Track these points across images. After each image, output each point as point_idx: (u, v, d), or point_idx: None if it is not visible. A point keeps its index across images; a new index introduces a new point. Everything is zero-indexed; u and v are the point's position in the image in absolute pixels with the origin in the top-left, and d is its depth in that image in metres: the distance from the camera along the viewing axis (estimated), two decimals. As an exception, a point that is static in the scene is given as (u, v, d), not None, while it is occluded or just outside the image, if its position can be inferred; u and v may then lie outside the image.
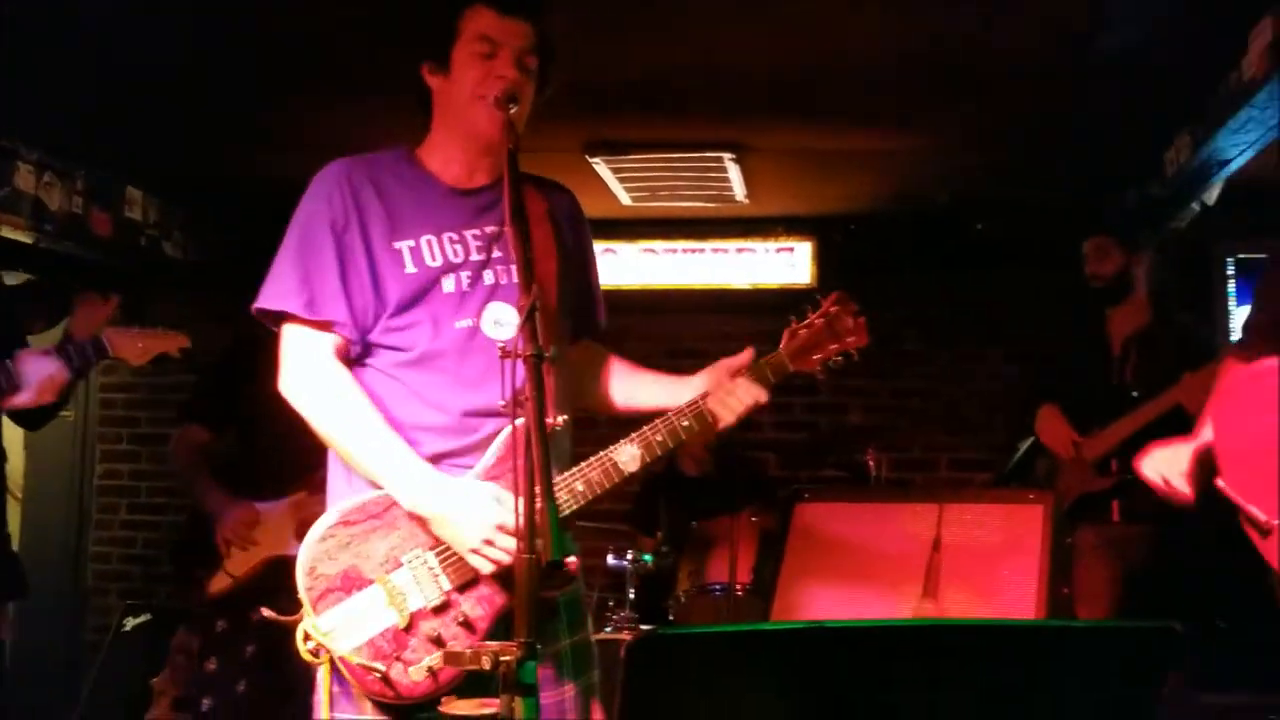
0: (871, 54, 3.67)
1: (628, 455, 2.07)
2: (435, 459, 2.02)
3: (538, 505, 1.59)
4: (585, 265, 2.31)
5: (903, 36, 3.54)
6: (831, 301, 2.27)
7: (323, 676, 1.99)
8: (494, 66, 2.06)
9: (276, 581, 3.65)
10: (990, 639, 1.45)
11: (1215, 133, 3.73)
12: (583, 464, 2.05)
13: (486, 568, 1.93)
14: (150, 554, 5.91)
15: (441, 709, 1.76)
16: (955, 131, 4.45)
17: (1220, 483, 2.20)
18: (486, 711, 1.58)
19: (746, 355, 2.21)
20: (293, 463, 3.55)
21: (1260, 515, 2.12)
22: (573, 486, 2.03)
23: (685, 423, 2.12)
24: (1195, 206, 4.53)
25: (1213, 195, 4.40)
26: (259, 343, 2.34)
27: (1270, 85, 3.23)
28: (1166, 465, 2.29)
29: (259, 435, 3.70)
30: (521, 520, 1.60)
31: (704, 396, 2.15)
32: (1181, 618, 1.41)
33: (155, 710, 4.03)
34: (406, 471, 1.98)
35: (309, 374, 2.05)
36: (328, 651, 1.94)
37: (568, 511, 2.01)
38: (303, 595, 1.96)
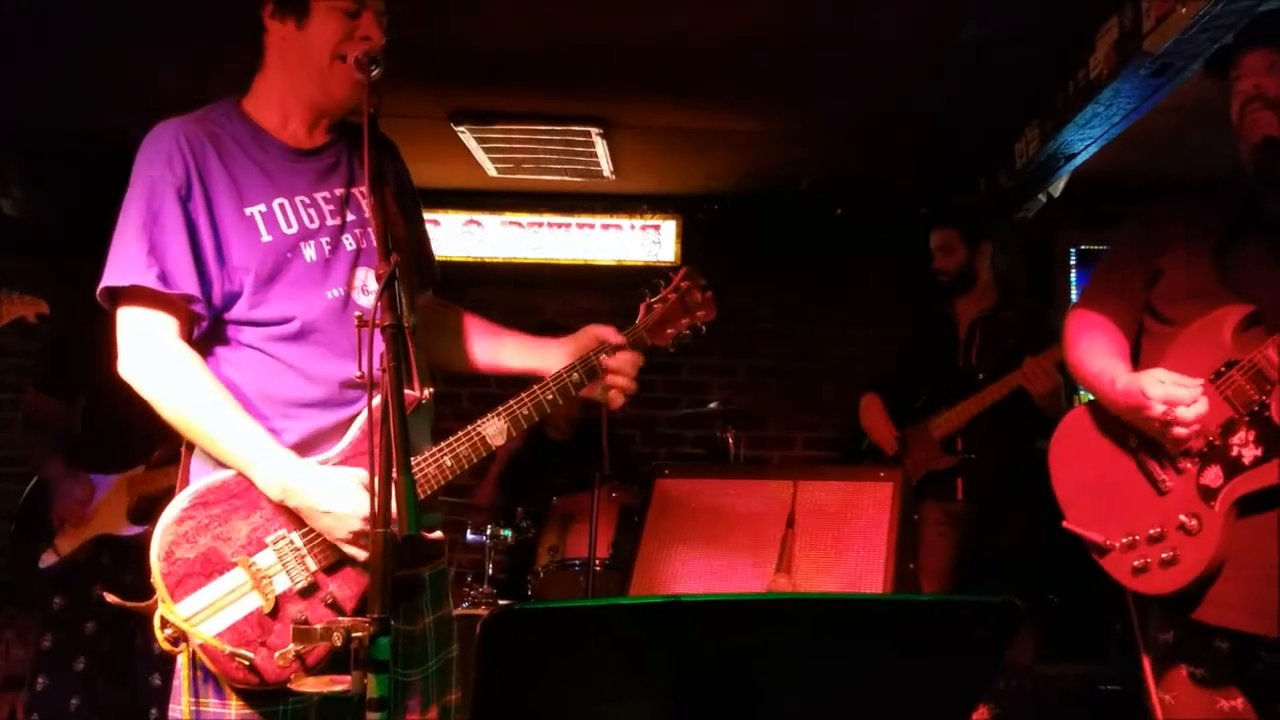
0: (735, 34, 3.71)
1: (494, 429, 2.04)
2: (312, 437, 1.95)
3: (394, 479, 1.56)
4: (418, 215, 2.26)
5: (763, 19, 3.58)
6: (682, 276, 2.31)
7: (182, 665, 1.90)
8: (358, 26, 1.96)
9: (112, 559, 3.56)
10: (841, 612, 1.48)
11: (1062, 127, 3.88)
12: (450, 439, 2.02)
13: (363, 555, 1.85)
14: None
15: (291, 686, 1.71)
16: (816, 116, 4.53)
17: (1065, 524, 2.40)
18: (337, 688, 1.55)
19: (612, 332, 2.21)
20: (136, 438, 3.44)
21: (1097, 538, 2.33)
22: (441, 462, 1.99)
23: (550, 396, 2.11)
24: (1041, 198, 4.72)
25: (1058, 188, 4.59)
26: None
27: (1115, 83, 3.37)
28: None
29: (104, 407, 3.58)
30: (378, 494, 1.56)
31: (569, 368, 2.14)
32: (1018, 592, 1.46)
33: (-14, 687, 3.86)
34: (272, 460, 1.89)
35: (156, 357, 1.92)
36: (187, 640, 1.84)
37: (437, 486, 1.99)
38: (158, 581, 1.85)
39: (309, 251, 1.99)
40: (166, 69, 3.90)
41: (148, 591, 1.89)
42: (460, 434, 2.03)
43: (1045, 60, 3.77)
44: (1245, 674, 2.20)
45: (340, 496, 1.85)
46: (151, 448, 3.55)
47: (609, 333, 2.21)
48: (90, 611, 3.55)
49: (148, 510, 3.54)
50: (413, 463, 1.95)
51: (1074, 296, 5.54)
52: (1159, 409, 2.19)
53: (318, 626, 1.57)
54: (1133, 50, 3.18)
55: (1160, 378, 2.22)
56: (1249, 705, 2.20)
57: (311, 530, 1.91)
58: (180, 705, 1.90)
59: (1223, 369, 2.23)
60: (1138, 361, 2.40)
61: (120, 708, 3.59)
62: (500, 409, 2.07)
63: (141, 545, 3.51)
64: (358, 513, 1.83)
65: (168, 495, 3.40)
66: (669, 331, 2.28)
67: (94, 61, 4.00)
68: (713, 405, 4.84)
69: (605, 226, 5.87)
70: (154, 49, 3.86)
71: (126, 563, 3.53)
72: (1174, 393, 2.19)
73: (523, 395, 2.09)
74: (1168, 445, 2.25)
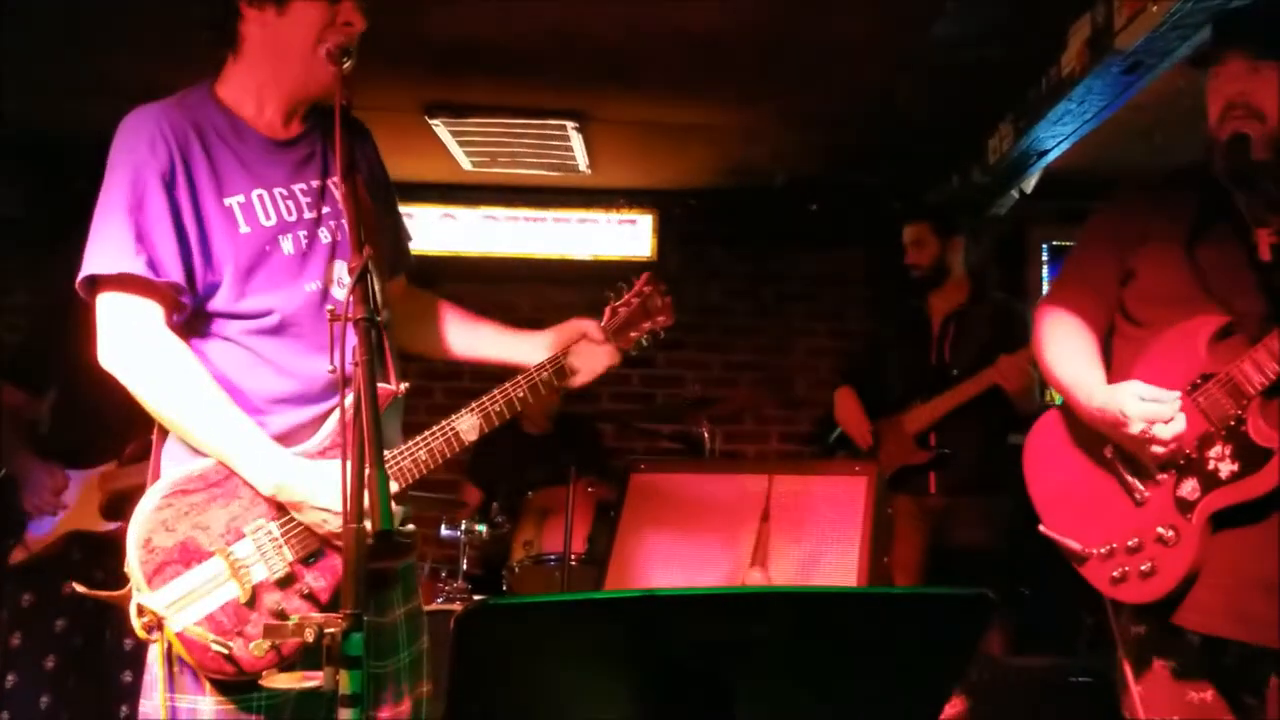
0: (712, 28, 3.71)
1: (468, 424, 2.05)
2: (290, 431, 1.93)
3: (367, 473, 1.55)
4: (392, 202, 2.24)
5: (739, 14, 3.58)
6: (644, 282, 2.35)
7: (157, 655, 1.88)
8: (339, 12, 1.94)
9: (84, 555, 3.53)
10: (816, 605, 1.49)
11: (1035, 124, 3.91)
12: (425, 433, 2.02)
13: None
14: (-52, 523, 5.55)
15: (262, 682, 1.70)
16: (792, 111, 4.54)
17: (1041, 529, 2.40)
18: (310, 684, 1.54)
19: (594, 327, 2.24)
20: (108, 433, 3.41)
21: (1075, 545, 2.33)
22: (416, 455, 1.99)
23: (520, 394, 2.13)
24: (1014, 194, 4.75)
25: (1030, 184, 4.62)
26: (84, 302, 2.21)
27: (1087, 80, 3.40)
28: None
29: (76, 401, 3.55)
30: (350, 488, 1.56)
31: (555, 359, 2.16)
32: (990, 585, 1.47)
33: (-46, 686, 3.82)
34: (264, 454, 1.87)
35: (143, 346, 1.88)
36: (162, 629, 1.82)
37: (412, 480, 1.99)
38: (134, 569, 1.83)
39: (287, 244, 1.97)
40: (130, 60, 3.85)
41: (121, 585, 1.88)
42: (434, 429, 2.03)
43: (1018, 57, 3.79)
44: (1215, 666, 2.22)
45: (335, 491, 1.84)
46: (124, 443, 3.52)
47: (591, 327, 2.24)
48: (61, 609, 3.52)
49: (120, 506, 3.51)
50: (387, 456, 1.95)
51: (1045, 292, 5.58)
52: (1138, 427, 2.18)
53: (289, 622, 1.56)
54: (1105, 47, 3.20)
55: (1138, 393, 2.20)
56: (1219, 697, 2.21)
57: (289, 521, 1.90)
58: (154, 700, 1.89)
59: (1199, 381, 2.21)
60: (1109, 362, 2.40)
61: (91, 705, 3.56)
62: (474, 405, 2.08)
63: (114, 541, 3.49)
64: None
65: (141, 491, 3.38)
66: (631, 335, 2.31)
67: (57, 54, 3.95)
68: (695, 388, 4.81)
69: (581, 221, 5.85)
70: (119, 40, 3.82)
71: (99, 559, 3.50)
72: (1153, 410, 2.17)
73: (495, 392, 2.11)
74: (1145, 460, 2.24)
